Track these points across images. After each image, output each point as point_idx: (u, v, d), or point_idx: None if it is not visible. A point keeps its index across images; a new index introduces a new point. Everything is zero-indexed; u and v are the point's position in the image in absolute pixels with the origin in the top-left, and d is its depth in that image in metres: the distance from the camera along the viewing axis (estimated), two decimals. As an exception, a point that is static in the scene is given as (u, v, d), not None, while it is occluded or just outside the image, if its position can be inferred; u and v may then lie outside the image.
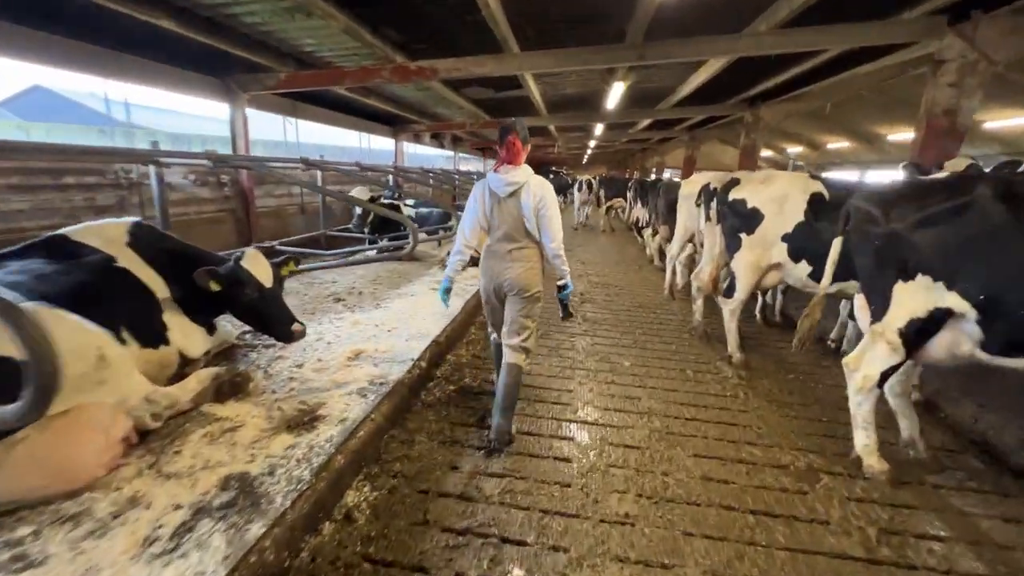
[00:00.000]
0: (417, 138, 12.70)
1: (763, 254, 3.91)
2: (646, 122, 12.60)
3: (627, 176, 21.41)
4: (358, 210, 6.31)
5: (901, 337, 2.33)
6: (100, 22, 4.18)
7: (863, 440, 2.64)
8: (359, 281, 5.52)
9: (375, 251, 6.25)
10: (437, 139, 14.16)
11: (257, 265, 2.71)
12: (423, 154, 18.70)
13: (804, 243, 3.69)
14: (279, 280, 2.84)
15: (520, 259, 2.72)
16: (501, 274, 2.76)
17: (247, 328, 3.72)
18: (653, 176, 22.89)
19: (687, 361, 4.21)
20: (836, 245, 2.86)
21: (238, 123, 5.73)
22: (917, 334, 2.29)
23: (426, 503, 2.26)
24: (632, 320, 5.39)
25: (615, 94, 7.74)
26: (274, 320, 2.79)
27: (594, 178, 22.17)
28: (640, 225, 10.35)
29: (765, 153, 21.85)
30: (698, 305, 4.92)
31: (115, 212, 4.35)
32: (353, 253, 6.04)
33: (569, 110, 10.36)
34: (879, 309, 2.43)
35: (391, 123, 10.70)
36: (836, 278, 3.78)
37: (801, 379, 3.94)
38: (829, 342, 4.69)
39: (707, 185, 4.88)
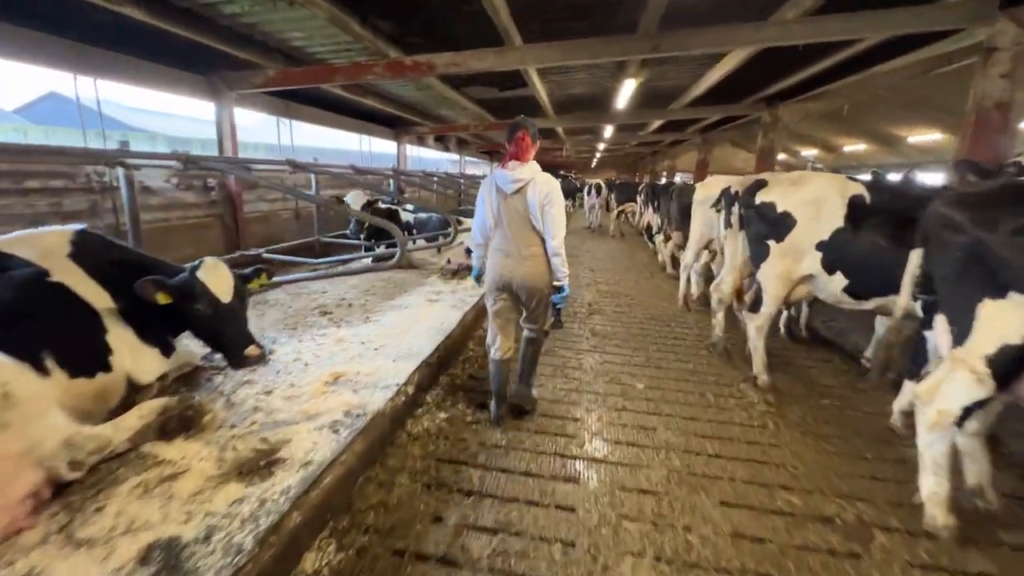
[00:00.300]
0: (421, 141, 12.42)
1: (794, 264, 3.50)
2: (657, 123, 12.21)
3: (637, 180, 21.00)
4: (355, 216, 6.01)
5: (989, 366, 1.91)
6: (71, 15, 3.91)
7: (932, 487, 2.22)
8: (351, 292, 5.18)
9: (370, 259, 5.93)
10: (442, 142, 13.88)
11: (215, 276, 2.36)
12: (428, 158, 18.44)
13: (842, 252, 3.28)
14: (241, 295, 2.48)
15: (529, 256, 2.68)
16: (512, 272, 2.71)
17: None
18: (663, 180, 22.47)
19: (707, 383, 3.80)
20: (915, 258, 2.44)
21: (224, 123, 5.43)
22: (1011, 363, 1.87)
23: (401, 570, 1.89)
24: (645, 334, 4.99)
25: (626, 93, 7.37)
26: (227, 341, 2.43)
27: (604, 182, 21.84)
28: (652, 231, 9.93)
29: (779, 156, 21.34)
30: (718, 319, 4.51)
31: (86, 218, 4.06)
32: (344, 262, 5.70)
33: (577, 111, 10.00)
34: (961, 331, 2.02)
35: (392, 125, 10.42)
36: (875, 292, 3.40)
37: (837, 406, 3.51)
38: (863, 361, 4.25)
39: (727, 188, 4.48)
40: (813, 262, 3.42)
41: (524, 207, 2.61)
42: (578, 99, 9.06)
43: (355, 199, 5.99)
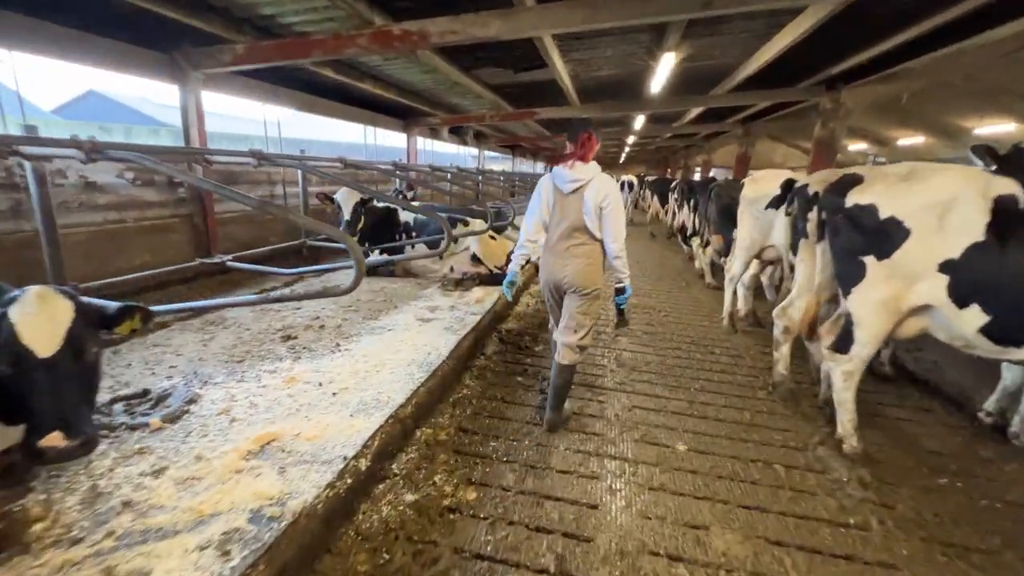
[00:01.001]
0: (434, 133, 11.66)
1: (904, 290, 2.55)
2: (695, 112, 11.09)
3: (669, 176, 19.80)
4: (345, 215, 5.26)
5: None
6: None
7: None
8: (329, 308, 4.44)
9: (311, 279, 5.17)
10: (458, 135, 13.11)
11: (36, 318, 1.54)
12: (445, 152, 17.73)
13: (981, 277, 2.32)
14: (78, 347, 1.61)
15: (579, 255, 2.68)
16: (560, 271, 2.72)
17: (119, 394, 2.66)
18: (697, 175, 21.15)
19: (772, 444, 2.89)
20: None
21: (190, 108, 4.70)
22: None
23: None
24: (684, 365, 4.07)
25: (662, 73, 6.41)
26: (25, 417, 1.57)
27: (637, 178, 20.68)
28: (686, 233, 8.92)
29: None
30: (782, 352, 3.56)
31: (8, 219, 3.44)
32: (321, 272, 4.95)
33: (605, 97, 9.02)
34: None
35: (402, 116, 9.68)
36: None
37: (960, 486, 2.55)
38: (983, 415, 3.24)
39: (800, 186, 3.52)
40: (934, 288, 2.46)
41: (580, 207, 2.60)
42: (606, 83, 8.10)
43: (346, 198, 5.27)
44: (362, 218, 5.45)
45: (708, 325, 5.31)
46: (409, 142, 10.12)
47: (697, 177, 18.33)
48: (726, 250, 6.42)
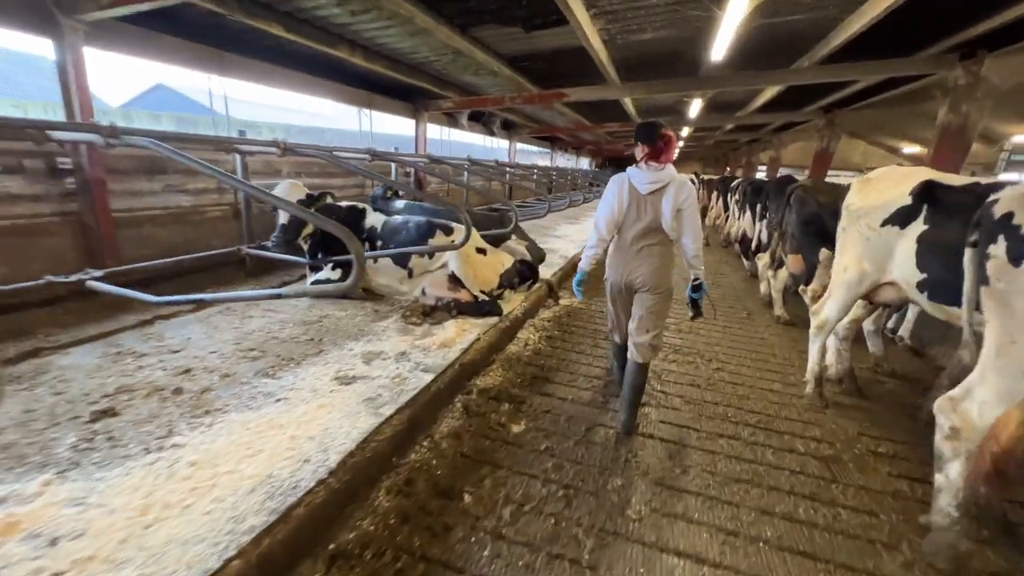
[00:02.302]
0: (452, 121, 10.34)
1: None
2: (767, 96, 9.12)
3: (729, 175, 17.64)
4: (282, 218, 4.04)
5: None
6: None
7: None
8: (228, 347, 3.21)
9: (309, 283, 3.93)
10: (484, 124, 11.76)
11: None
12: (477, 144, 16.44)
13: None
14: None
15: (655, 256, 2.77)
16: (635, 270, 2.80)
17: None
18: (760, 175, 18.76)
19: None
20: None
21: (67, 70, 3.66)
22: None
23: None
24: (752, 476, 2.54)
25: (727, 30, 4.76)
26: None
27: (694, 177, 18.72)
28: (749, 246, 7.16)
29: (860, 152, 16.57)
30: (948, 476, 1.98)
31: None
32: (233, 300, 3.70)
33: (651, 72, 7.33)
34: None
35: (408, 97, 8.44)
36: None
37: None
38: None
39: (989, 203, 1.92)
40: None
41: (659, 208, 2.69)
42: (651, 51, 6.43)
43: (287, 192, 4.05)
44: (309, 223, 4.20)
45: (781, 390, 3.69)
46: (418, 129, 8.84)
47: (762, 177, 16.09)
48: (807, 277, 4.73)
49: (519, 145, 18.29)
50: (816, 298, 4.65)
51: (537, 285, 5.30)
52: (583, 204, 15.40)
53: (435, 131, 11.31)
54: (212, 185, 4.91)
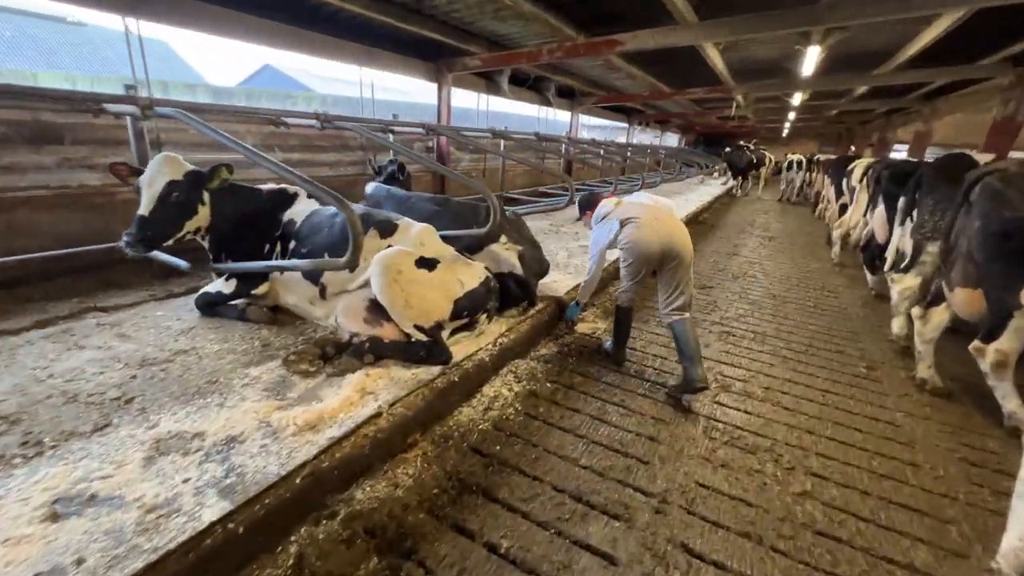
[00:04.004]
0: (492, 86, 8.70)
1: None
2: (932, 36, 6.45)
3: (852, 154, 14.34)
4: (142, 208, 2.85)
5: None
6: None
7: None
8: (16, 397, 2.16)
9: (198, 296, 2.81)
10: (538, 92, 9.97)
11: None
12: (530, 117, 14.78)
13: None
14: None
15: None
16: (670, 233, 3.10)
17: None
18: (892, 154, 15.05)
19: None
20: None
21: None
22: None
23: None
24: None
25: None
26: None
27: (810, 158, 15.72)
28: (881, 255, 5.00)
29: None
30: None
31: None
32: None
33: (740, 4, 5.24)
34: None
35: (427, 55, 7.03)
36: None
37: None
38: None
39: None
40: None
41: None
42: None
43: (160, 169, 2.91)
44: (203, 207, 3.03)
45: (933, 565, 1.93)
46: (441, 93, 7.46)
47: (904, 157, 12.69)
48: (991, 328, 2.79)
49: (591, 120, 16.28)
50: (1002, 365, 2.70)
51: (537, 307, 3.79)
52: (661, 185, 13.20)
53: (497, 103, 9.91)
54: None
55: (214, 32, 5.11)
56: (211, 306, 3.19)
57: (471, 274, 3.06)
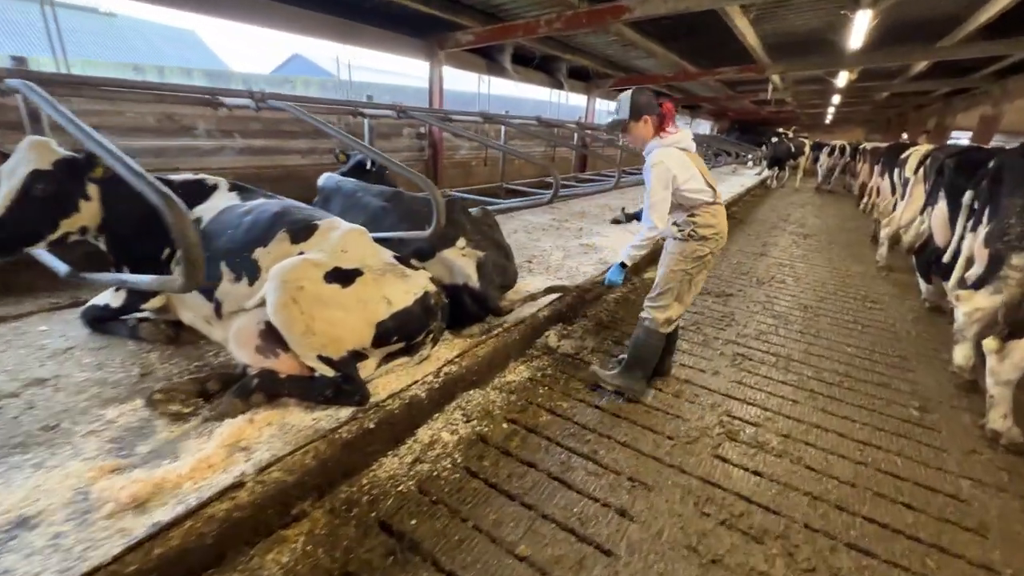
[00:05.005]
0: (494, 66, 8.02)
1: None
2: (996, 10, 5.51)
3: (901, 142, 13.08)
4: (3, 190, 2.39)
5: None
6: None
7: None
8: None
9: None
10: (548, 74, 9.24)
11: None
12: (547, 102, 14.02)
13: None
14: None
15: None
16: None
17: None
18: (951, 141, 13.59)
19: None
20: None
21: None
22: None
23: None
24: None
25: None
26: None
27: (854, 146, 14.68)
28: (938, 261, 4.17)
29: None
30: None
31: None
32: None
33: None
34: None
35: (421, 32, 6.39)
36: None
37: None
38: None
39: None
40: None
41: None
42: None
43: (27, 156, 2.42)
44: (88, 203, 2.53)
45: None
46: (433, 73, 6.83)
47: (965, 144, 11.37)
48: None
49: (613, 105, 15.37)
50: None
51: (502, 324, 3.17)
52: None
53: (508, 88, 9.25)
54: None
55: (184, 7, 4.64)
56: (99, 322, 2.71)
57: (404, 289, 2.46)
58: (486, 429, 2.53)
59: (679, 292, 2.71)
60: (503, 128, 6.69)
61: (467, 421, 2.58)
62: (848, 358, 3.67)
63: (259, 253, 2.39)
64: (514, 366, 3.19)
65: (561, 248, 5.33)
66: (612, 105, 2.79)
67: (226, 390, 2.16)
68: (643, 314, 2.82)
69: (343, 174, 4.27)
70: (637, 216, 3.18)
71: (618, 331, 3.85)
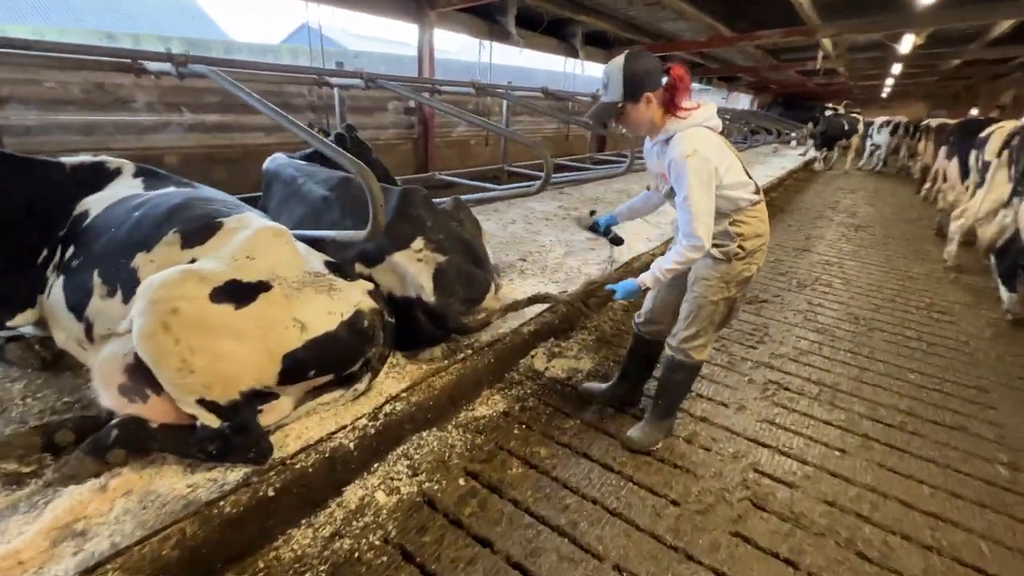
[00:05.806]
0: (499, 31, 7.35)
1: None
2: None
3: (973, 119, 11.96)
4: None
5: None
6: None
7: None
8: None
9: None
10: (562, 40, 8.54)
11: None
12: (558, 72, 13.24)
13: None
14: None
15: None
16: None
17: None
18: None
19: None
20: None
21: None
22: None
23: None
24: None
25: None
26: None
27: (915, 123, 13.61)
28: (1018, 256, 3.52)
29: None
30: None
31: None
32: None
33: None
34: None
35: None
36: None
37: None
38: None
39: None
40: None
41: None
42: None
43: None
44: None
45: None
46: (422, 38, 6.25)
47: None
48: None
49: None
50: None
51: (473, 344, 2.68)
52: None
53: (520, 59, 8.63)
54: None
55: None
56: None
57: (326, 309, 1.98)
58: (436, 487, 2.06)
59: (720, 322, 2.20)
60: (504, 103, 6.10)
61: (413, 475, 2.12)
62: (911, 389, 3.06)
63: (140, 260, 1.94)
64: (487, 395, 2.70)
65: (564, 243, 4.79)
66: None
67: (77, 445, 1.73)
68: (676, 355, 2.24)
69: (307, 156, 3.81)
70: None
71: (624, 348, 3.32)
